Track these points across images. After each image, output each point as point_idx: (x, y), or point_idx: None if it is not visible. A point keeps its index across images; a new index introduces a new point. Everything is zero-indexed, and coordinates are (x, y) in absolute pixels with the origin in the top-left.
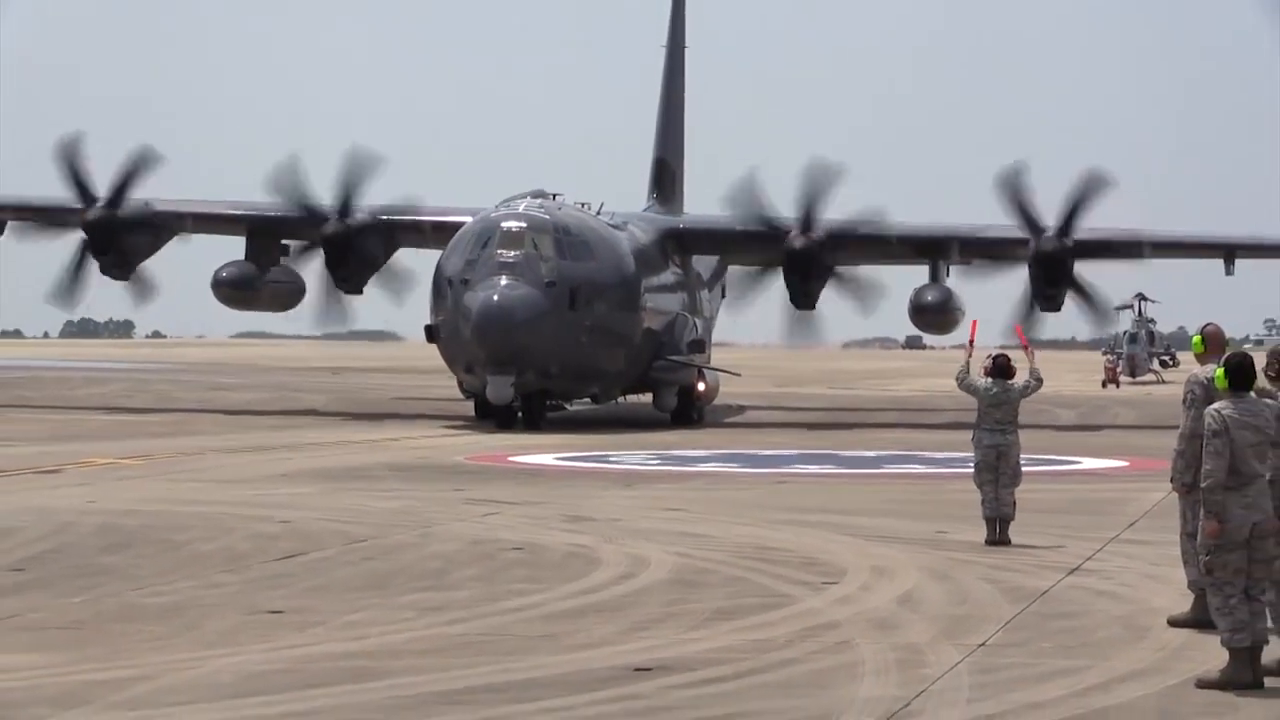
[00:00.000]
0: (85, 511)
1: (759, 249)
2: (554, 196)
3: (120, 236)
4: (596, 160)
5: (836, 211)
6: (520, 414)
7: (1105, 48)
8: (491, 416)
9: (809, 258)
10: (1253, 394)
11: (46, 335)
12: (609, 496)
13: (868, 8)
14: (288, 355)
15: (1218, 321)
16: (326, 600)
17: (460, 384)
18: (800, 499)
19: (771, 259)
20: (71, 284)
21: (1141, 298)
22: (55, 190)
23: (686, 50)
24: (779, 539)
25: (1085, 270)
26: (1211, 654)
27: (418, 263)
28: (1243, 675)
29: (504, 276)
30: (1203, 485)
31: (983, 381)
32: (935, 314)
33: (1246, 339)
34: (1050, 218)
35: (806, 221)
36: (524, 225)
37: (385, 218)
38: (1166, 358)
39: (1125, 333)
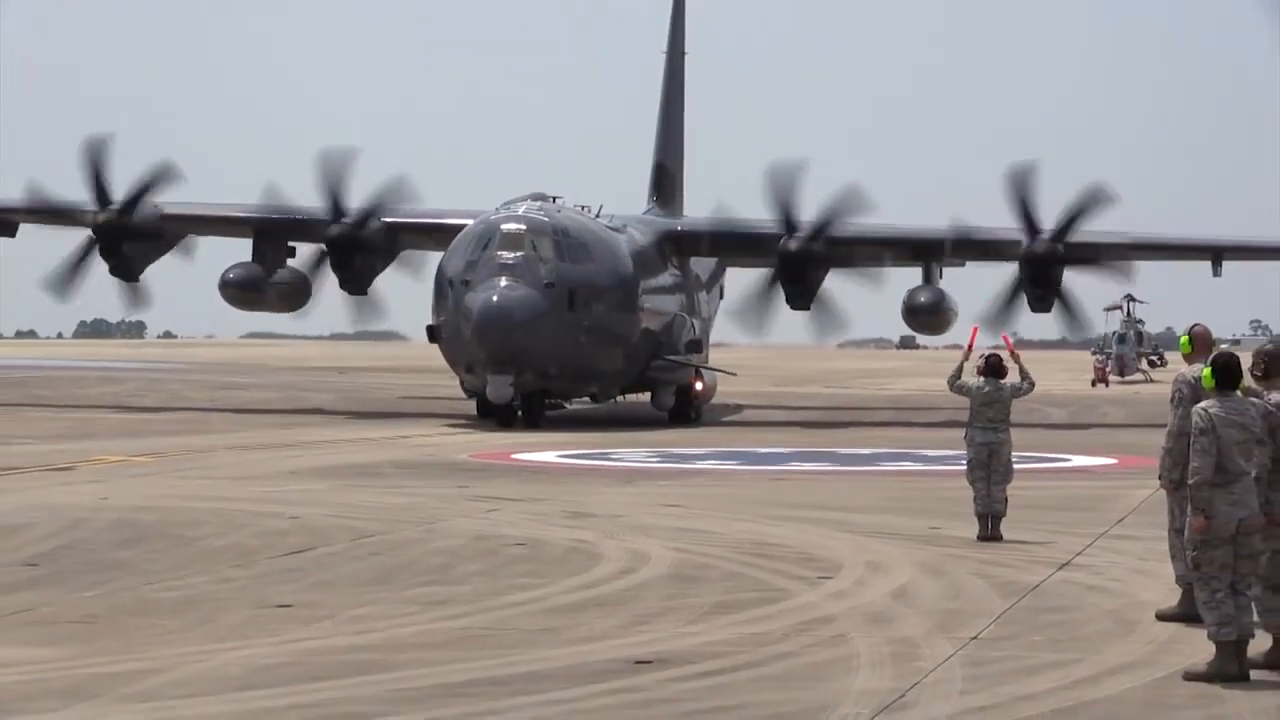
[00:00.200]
0: (98, 508)
1: (755, 251)
2: (554, 199)
3: (129, 240)
4: (598, 164)
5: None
6: (520, 413)
7: (1101, 52)
8: (492, 415)
9: (804, 260)
10: (1239, 393)
11: (60, 335)
12: (610, 493)
13: (865, 14)
14: (296, 355)
15: (1205, 322)
16: (334, 594)
17: (462, 383)
18: (797, 496)
19: (767, 261)
20: (70, 276)
21: (1130, 299)
22: (61, 190)
23: (686, 56)
24: (776, 535)
25: (1075, 275)
26: (1199, 647)
27: (417, 270)
28: (1229, 668)
29: (504, 278)
30: (1190, 482)
31: (975, 381)
32: (928, 315)
33: (1235, 341)
34: (1046, 220)
35: (814, 231)
36: (523, 227)
37: (389, 220)
38: (1155, 357)
39: (1114, 333)
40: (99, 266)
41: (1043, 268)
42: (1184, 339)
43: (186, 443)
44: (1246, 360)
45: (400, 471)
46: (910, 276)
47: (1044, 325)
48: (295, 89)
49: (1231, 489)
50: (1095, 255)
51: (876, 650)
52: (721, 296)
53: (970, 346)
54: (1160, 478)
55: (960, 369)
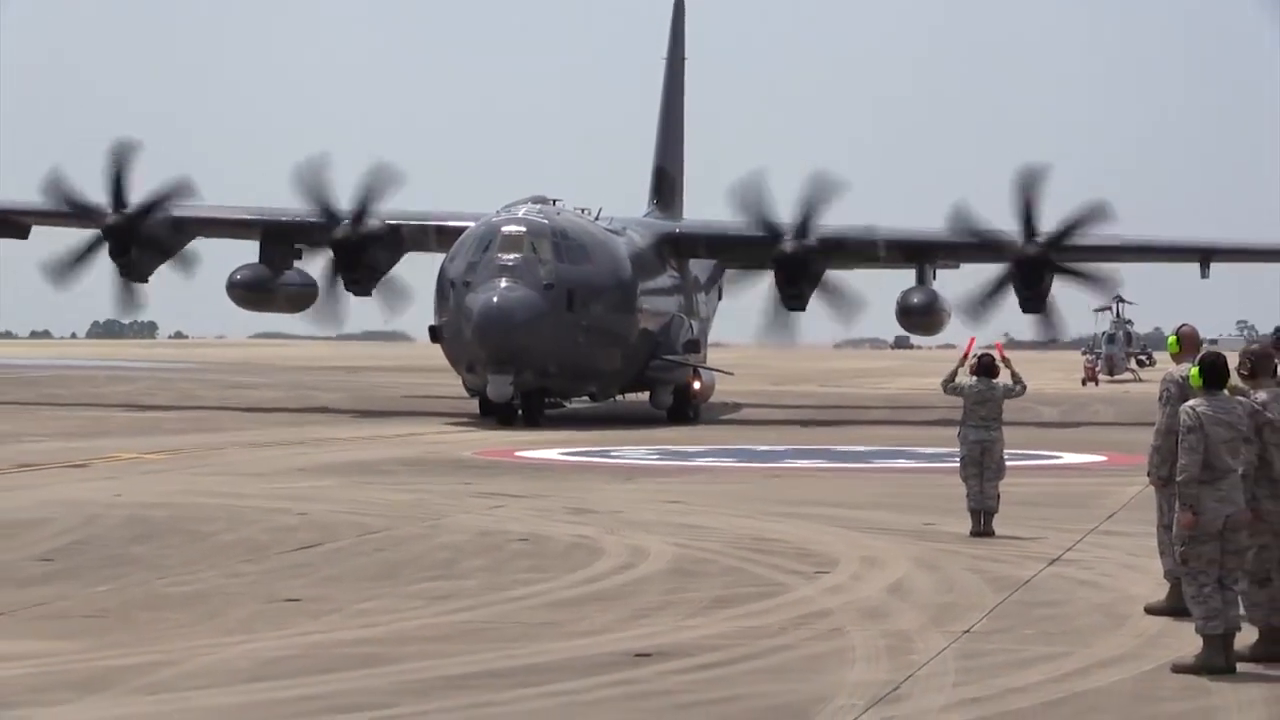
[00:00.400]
0: (112, 504)
1: (752, 253)
2: (554, 202)
3: (139, 239)
4: (599, 168)
5: (830, 217)
6: (520, 411)
7: (1096, 55)
8: (493, 414)
9: (799, 262)
10: (1226, 392)
11: (74, 336)
12: (611, 490)
13: (863, 21)
14: (304, 355)
15: (1192, 322)
16: (341, 589)
17: (464, 382)
18: (794, 492)
19: (764, 263)
20: (71, 266)
21: (1119, 299)
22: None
23: (686, 61)
24: (773, 530)
25: (1060, 285)
26: (1186, 640)
27: (419, 271)
28: (1216, 660)
29: (504, 279)
30: (1178, 479)
31: (968, 381)
32: (921, 316)
33: (1212, 341)
34: (1038, 223)
35: (798, 228)
36: (523, 230)
37: (392, 223)
38: (1143, 357)
39: (1104, 333)
40: (110, 267)
41: (1034, 269)
42: (1172, 339)
43: (197, 441)
44: (1232, 360)
45: (406, 469)
46: (904, 278)
47: (1033, 326)
48: (301, 95)
49: (1219, 486)
50: (1086, 257)
51: (871, 643)
52: (720, 298)
53: (966, 355)
54: (1149, 474)
55: (954, 374)
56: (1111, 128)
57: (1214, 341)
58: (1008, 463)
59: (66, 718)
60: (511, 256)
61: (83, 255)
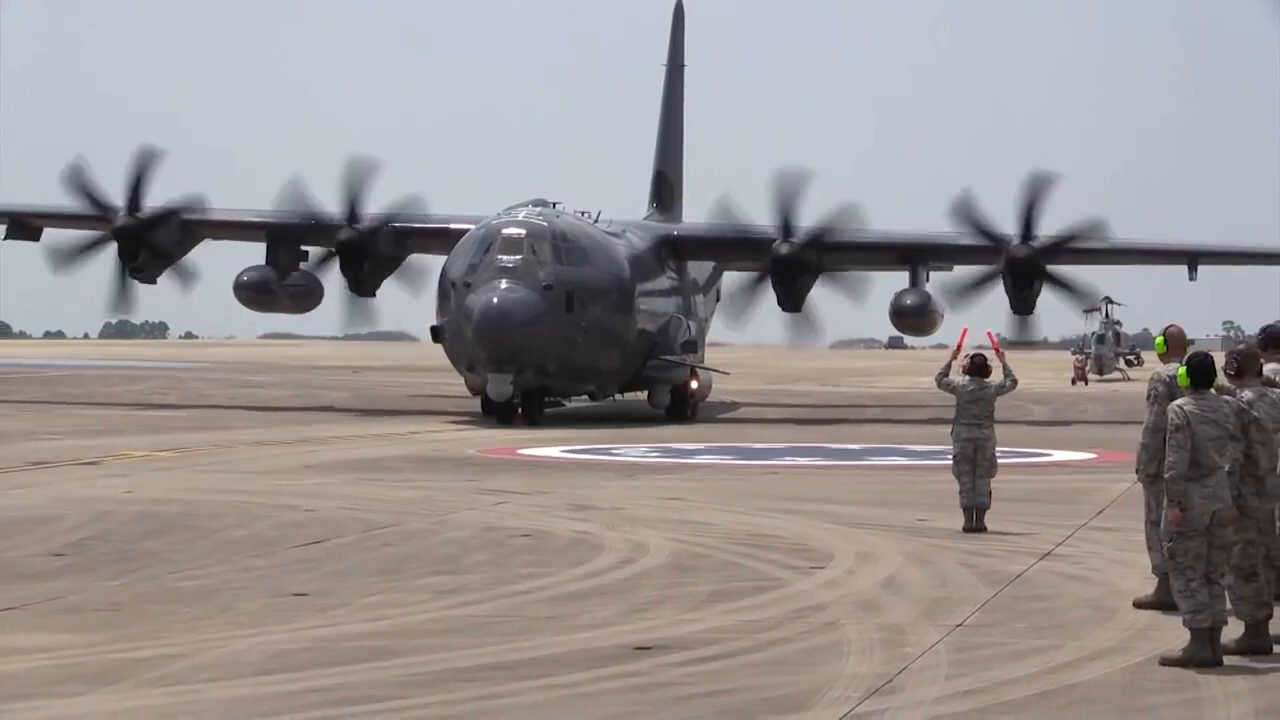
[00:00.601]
0: (123, 501)
1: (749, 255)
2: (554, 205)
3: (147, 243)
4: (601, 172)
5: (824, 221)
6: (520, 410)
7: (1091, 59)
8: (493, 412)
9: (795, 264)
10: (1213, 391)
11: (87, 336)
12: (611, 486)
13: (861, 25)
14: (311, 355)
15: (1180, 323)
16: (348, 584)
17: (466, 382)
18: (790, 489)
19: (761, 264)
20: (74, 255)
21: (1109, 301)
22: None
23: (685, 68)
24: (770, 526)
25: (1051, 288)
26: (1174, 634)
27: (420, 272)
28: (1203, 654)
29: (504, 280)
30: (1166, 476)
31: (961, 380)
32: (915, 317)
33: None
34: (1014, 227)
35: (792, 230)
36: (523, 232)
37: (397, 225)
38: (1132, 357)
39: (1093, 334)
40: (111, 263)
41: (1025, 271)
42: (1159, 339)
43: (207, 438)
44: (1220, 360)
45: (411, 466)
46: (897, 280)
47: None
48: (303, 98)
49: (1205, 483)
50: (1078, 260)
51: (866, 636)
52: (718, 299)
53: (959, 346)
54: (1137, 472)
55: (949, 367)
56: (1102, 133)
57: (1191, 342)
58: (999, 460)
59: (80, 709)
60: (511, 258)
61: (87, 248)
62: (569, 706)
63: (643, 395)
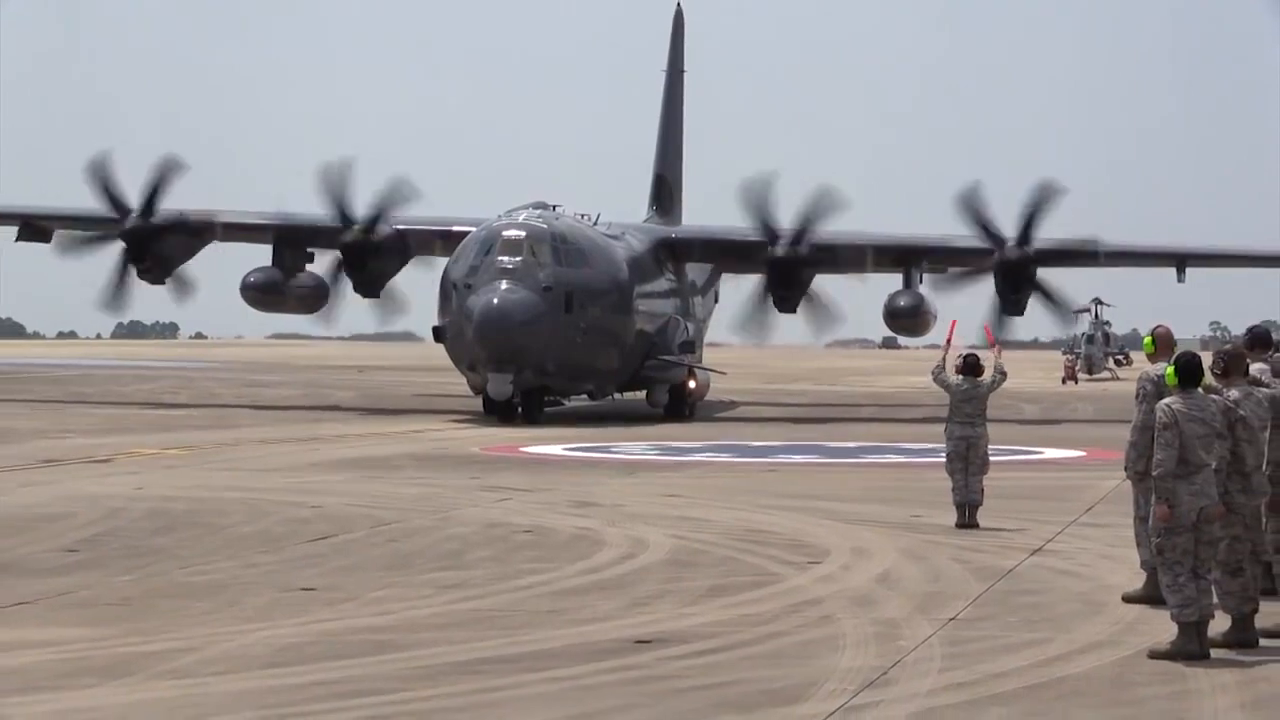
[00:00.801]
0: (134, 498)
1: (745, 258)
2: (554, 208)
3: (156, 244)
4: (601, 175)
5: (824, 226)
6: (520, 409)
7: (1081, 66)
8: (493, 412)
9: (790, 266)
10: (1200, 390)
11: (99, 336)
12: (612, 483)
13: (860, 30)
14: (318, 354)
15: (1168, 324)
16: (354, 579)
17: (468, 381)
18: (787, 486)
19: (757, 266)
20: (118, 290)
21: (1098, 302)
22: (85, 198)
23: (685, 73)
24: (768, 522)
25: (1048, 276)
26: (1162, 627)
27: (422, 273)
28: (1191, 647)
29: (504, 281)
30: (1154, 473)
31: (954, 379)
32: (908, 318)
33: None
34: (1011, 229)
35: (790, 234)
36: (523, 234)
37: (400, 227)
38: (1121, 357)
39: (1083, 334)
40: (115, 259)
41: (1015, 272)
42: (1148, 339)
43: (216, 437)
44: (1208, 360)
45: (415, 464)
46: (892, 281)
47: (1018, 326)
48: (302, 98)
49: (1193, 480)
50: (1066, 262)
51: (861, 630)
52: (717, 301)
53: (949, 341)
54: (1126, 469)
55: (943, 362)
56: (1091, 136)
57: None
58: (991, 458)
59: (91, 702)
60: (512, 260)
61: (122, 274)
62: (570, 699)
63: (641, 395)
